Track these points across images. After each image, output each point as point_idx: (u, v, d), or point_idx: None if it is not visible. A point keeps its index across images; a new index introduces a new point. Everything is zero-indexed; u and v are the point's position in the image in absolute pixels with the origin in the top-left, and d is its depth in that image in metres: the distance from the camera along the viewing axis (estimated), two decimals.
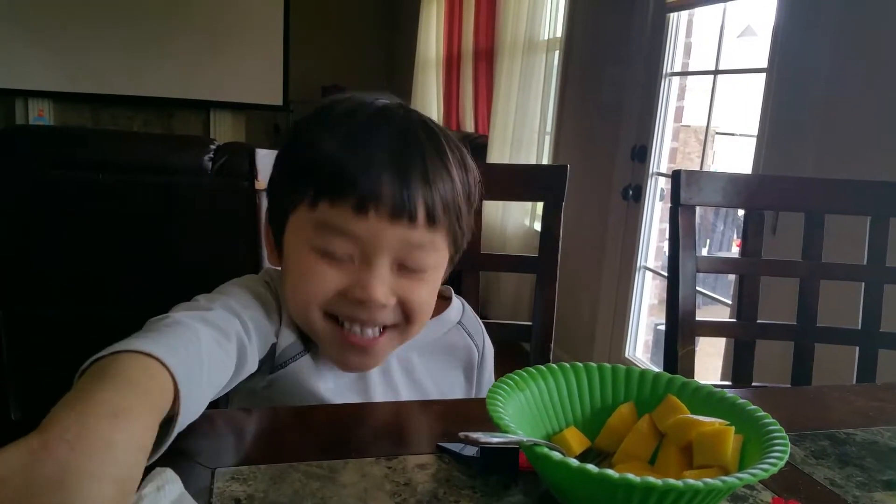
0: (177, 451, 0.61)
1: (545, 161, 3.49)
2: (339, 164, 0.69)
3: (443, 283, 0.83)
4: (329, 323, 0.74)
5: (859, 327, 1.23)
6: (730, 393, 0.64)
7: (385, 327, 0.75)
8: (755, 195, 1.25)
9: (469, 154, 0.80)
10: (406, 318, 0.75)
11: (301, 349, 0.78)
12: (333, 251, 0.70)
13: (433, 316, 0.83)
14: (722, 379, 2.24)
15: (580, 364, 0.67)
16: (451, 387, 0.89)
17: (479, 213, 0.93)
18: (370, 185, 0.68)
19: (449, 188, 0.72)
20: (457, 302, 0.91)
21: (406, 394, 0.84)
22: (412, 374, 0.86)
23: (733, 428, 0.58)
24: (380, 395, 0.82)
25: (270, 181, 0.78)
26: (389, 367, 0.84)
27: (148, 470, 0.50)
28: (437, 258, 0.75)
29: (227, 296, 0.72)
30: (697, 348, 1.23)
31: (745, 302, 1.24)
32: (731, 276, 2.56)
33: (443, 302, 0.89)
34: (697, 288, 1.23)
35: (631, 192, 2.88)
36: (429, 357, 0.87)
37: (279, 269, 0.79)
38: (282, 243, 0.76)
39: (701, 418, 0.60)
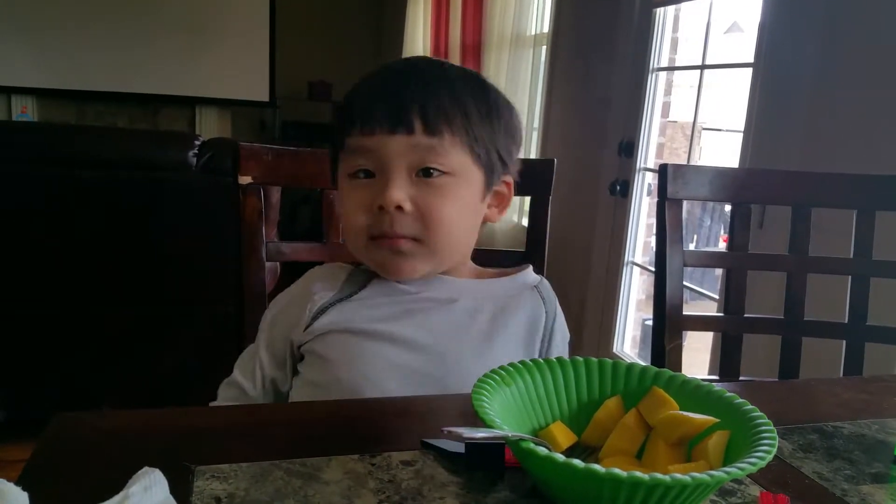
0: (155, 448, 0.60)
1: (533, 156, 3.48)
2: (350, 105, 0.84)
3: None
4: (370, 240, 0.82)
5: (846, 321, 1.24)
6: (717, 387, 0.63)
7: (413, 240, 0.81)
8: (742, 189, 1.25)
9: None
10: (427, 230, 0.80)
11: (347, 294, 0.86)
12: (359, 171, 0.82)
13: (507, 276, 0.91)
14: (709, 373, 2.23)
15: (566, 358, 0.66)
16: (499, 334, 0.87)
17: None
18: (371, 111, 0.80)
19: (449, 100, 0.81)
20: (534, 273, 0.95)
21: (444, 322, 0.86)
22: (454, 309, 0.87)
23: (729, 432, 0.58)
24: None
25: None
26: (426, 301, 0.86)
27: (135, 469, 0.49)
28: (450, 165, 0.80)
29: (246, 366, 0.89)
30: (685, 343, 1.22)
31: (733, 296, 1.24)
32: (718, 271, 2.57)
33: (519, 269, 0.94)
34: (684, 282, 1.23)
35: (618, 188, 2.88)
36: (484, 305, 0.88)
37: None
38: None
39: (691, 415, 0.60)
